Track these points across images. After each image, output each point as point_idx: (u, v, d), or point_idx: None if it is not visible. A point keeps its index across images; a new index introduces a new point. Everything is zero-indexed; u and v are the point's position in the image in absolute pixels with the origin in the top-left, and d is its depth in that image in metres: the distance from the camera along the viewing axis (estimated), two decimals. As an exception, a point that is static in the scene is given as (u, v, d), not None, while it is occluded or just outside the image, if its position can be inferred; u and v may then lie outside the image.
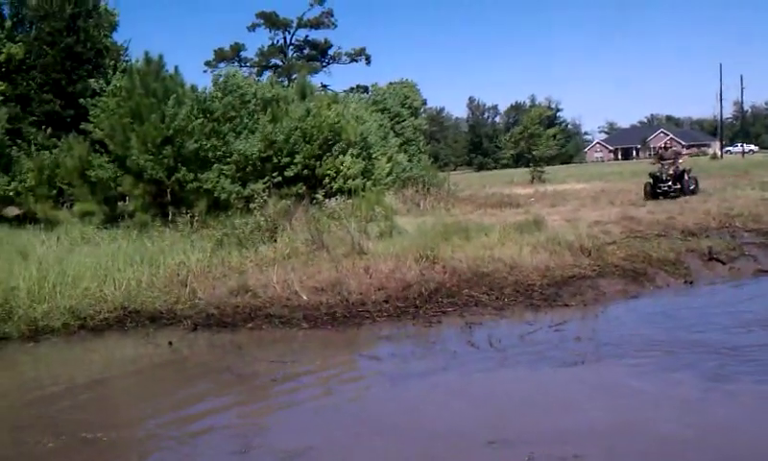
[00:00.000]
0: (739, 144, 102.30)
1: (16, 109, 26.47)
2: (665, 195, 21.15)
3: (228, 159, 19.51)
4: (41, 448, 6.08)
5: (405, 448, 5.73)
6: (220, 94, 21.37)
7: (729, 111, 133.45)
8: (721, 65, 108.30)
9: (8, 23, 30.15)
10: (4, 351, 9.47)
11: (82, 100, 21.18)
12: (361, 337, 9.34)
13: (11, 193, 21.23)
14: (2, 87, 27.90)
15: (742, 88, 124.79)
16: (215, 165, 19.11)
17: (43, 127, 23.79)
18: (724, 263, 12.03)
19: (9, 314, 10.10)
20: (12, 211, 22.17)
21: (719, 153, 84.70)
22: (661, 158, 23.26)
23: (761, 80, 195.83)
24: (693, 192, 21.38)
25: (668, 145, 24.98)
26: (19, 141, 23.10)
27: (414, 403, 6.82)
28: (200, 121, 19.19)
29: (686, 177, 22.01)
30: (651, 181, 22.14)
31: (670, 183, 21.51)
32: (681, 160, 23.19)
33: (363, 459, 5.67)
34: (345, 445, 5.87)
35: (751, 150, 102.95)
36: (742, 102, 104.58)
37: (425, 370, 7.75)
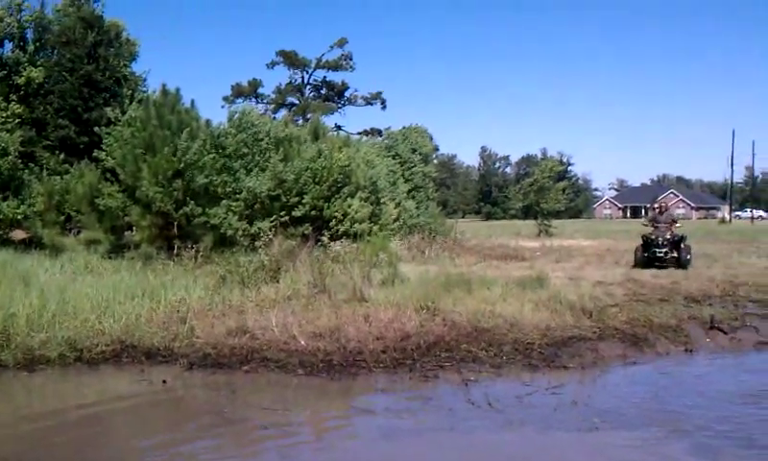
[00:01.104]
0: (749, 209, 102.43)
1: (31, 133, 26.83)
2: (660, 263, 19.05)
3: (237, 196, 19.63)
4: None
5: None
6: (234, 130, 21.56)
7: (739, 176, 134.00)
8: (734, 131, 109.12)
9: (30, 47, 30.69)
10: (-2, 378, 9.46)
11: (96, 128, 21.37)
12: (356, 388, 9.27)
13: (19, 216, 21.37)
14: (19, 110, 28.31)
15: (753, 154, 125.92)
16: (224, 201, 19.23)
17: (56, 152, 24.02)
18: (725, 333, 11.93)
19: (6, 341, 10.09)
20: (19, 235, 22.31)
21: (728, 217, 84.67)
22: (656, 221, 20.72)
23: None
24: (686, 265, 19.00)
25: (664, 206, 21.59)
26: (31, 165, 23.31)
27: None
28: (212, 156, 19.35)
29: (683, 245, 19.67)
30: (643, 245, 19.95)
31: (666, 250, 19.38)
32: (677, 225, 20.94)
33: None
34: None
35: (760, 216, 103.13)
36: (753, 167, 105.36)
37: (419, 427, 7.68)
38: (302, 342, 10.52)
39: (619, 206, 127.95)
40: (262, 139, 22.02)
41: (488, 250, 25.54)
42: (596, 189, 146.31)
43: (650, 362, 10.63)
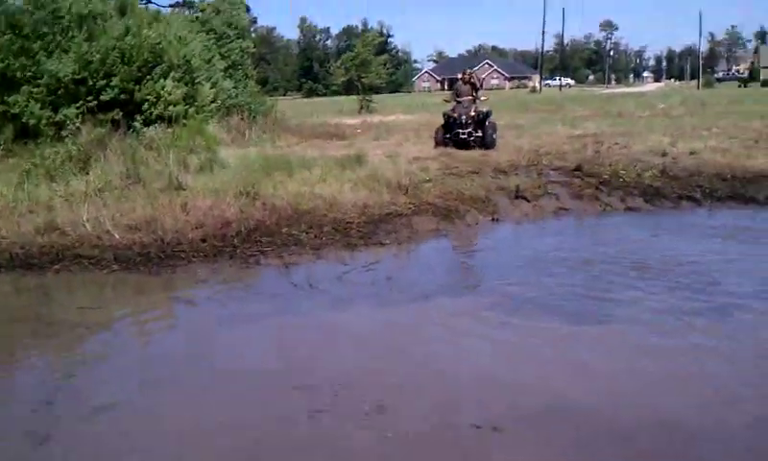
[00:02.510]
0: (558, 77, 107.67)
1: None
2: (463, 145, 17.14)
3: (39, 81, 18.22)
4: None
5: (215, 396, 5.74)
6: (31, 7, 19.79)
7: (550, 45, 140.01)
8: None
9: None
10: None
11: None
12: (176, 280, 9.16)
13: None
14: None
15: (563, 21, 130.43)
16: (23, 87, 17.81)
17: None
18: (529, 201, 12.76)
19: None
20: None
21: (538, 86, 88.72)
22: (458, 95, 18.47)
23: (582, 14, 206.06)
24: (492, 145, 17.29)
25: (467, 76, 18.72)
26: None
27: (226, 350, 6.83)
28: (7, 37, 17.77)
29: (488, 122, 17.78)
30: (444, 124, 17.94)
31: (470, 131, 17.35)
32: (483, 98, 19.06)
33: (169, 410, 5.62)
34: (152, 397, 5.82)
35: (568, 83, 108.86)
36: (563, 36, 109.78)
37: (244, 313, 7.75)
38: (117, 236, 10.20)
39: (437, 78, 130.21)
40: (63, 16, 20.36)
41: (309, 129, 25.53)
42: (416, 61, 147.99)
43: (460, 234, 11.25)
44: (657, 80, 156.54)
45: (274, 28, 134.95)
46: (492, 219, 11.99)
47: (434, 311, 7.61)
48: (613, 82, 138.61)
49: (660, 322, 6.93)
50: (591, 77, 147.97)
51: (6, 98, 17.25)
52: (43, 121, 17.51)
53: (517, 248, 10.58)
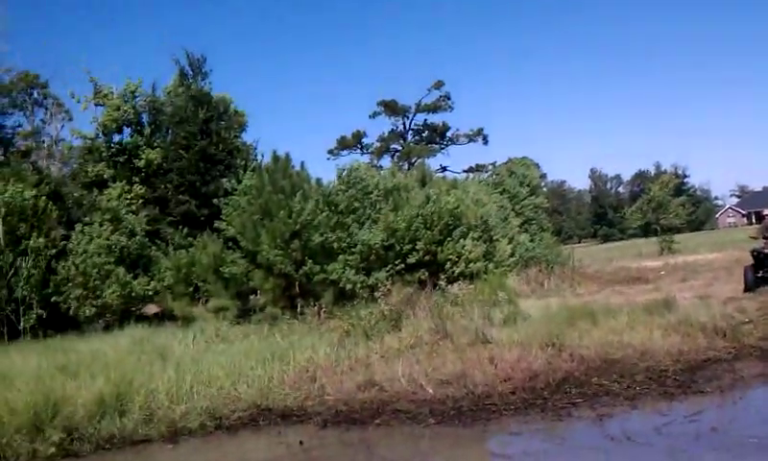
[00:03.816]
0: None
1: (155, 211, 28.40)
2: None
3: (353, 250, 20.04)
4: None
5: None
6: (344, 187, 22.11)
7: None
8: None
9: (146, 130, 32.61)
10: (144, 453, 9.89)
11: (215, 200, 22.42)
12: (489, 433, 9.21)
13: (150, 292, 22.50)
14: (142, 191, 30.11)
15: None
16: (340, 256, 19.70)
17: (180, 227, 25.18)
18: None
19: (150, 416, 10.57)
20: (152, 309, 23.50)
21: None
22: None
23: None
24: None
25: None
26: (158, 241, 24.53)
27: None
28: (325, 214, 19.92)
29: None
30: (755, 263, 16.35)
31: None
32: None
33: None
34: None
35: None
36: None
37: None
38: (430, 390, 10.57)
39: (743, 212, 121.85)
40: (371, 192, 22.45)
41: (609, 275, 25.00)
42: (716, 198, 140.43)
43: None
44: None
45: (564, 181, 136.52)
46: (828, 363, 10.66)
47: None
48: None
49: None
50: None
51: (325, 267, 19.10)
52: (358, 285, 19.11)
53: None
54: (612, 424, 8.74)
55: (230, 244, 21.19)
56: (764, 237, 16.88)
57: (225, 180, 24.10)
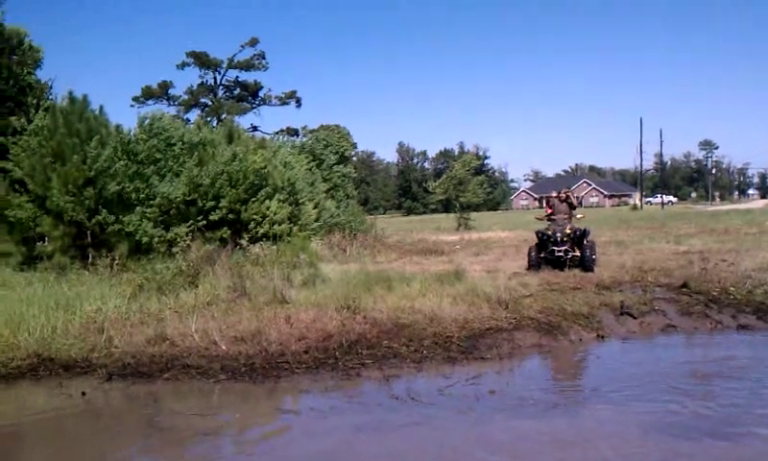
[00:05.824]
0: (659, 195, 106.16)
1: (-68, 145, 25.73)
2: (558, 264, 16.29)
3: (152, 202, 19.29)
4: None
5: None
6: (145, 136, 21.16)
7: (650, 163, 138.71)
8: (642, 119, 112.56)
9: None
10: None
11: (2, 138, 20.71)
12: (280, 390, 9.28)
13: None
14: None
15: (662, 141, 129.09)
16: (138, 208, 18.90)
17: (-40, 163, 23.06)
18: (635, 318, 12.40)
19: None
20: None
21: (639, 203, 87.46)
22: (554, 213, 17.59)
23: (679, 134, 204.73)
24: (591, 266, 15.90)
25: (564, 194, 17.72)
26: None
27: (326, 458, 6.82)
28: (123, 163, 18.98)
29: (586, 241, 16.60)
30: (538, 243, 17.01)
31: (566, 248, 16.35)
32: (579, 216, 18.16)
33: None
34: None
35: (670, 201, 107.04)
36: (662, 154, 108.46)
37: (345, 424, 7.77)
38: (223, 347, 10.49)
39: (535, 196, 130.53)
40: (175, 144, 21.67)
41: (408, 245, 25.85)
42: (513, 181, 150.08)
43: (564, 350, 11.00)
44: (763, 196, 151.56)
45: (373, 152, 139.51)
46: (597, 336, 11.66)
47: (546, 431, 7.43)
48: (717, 199, 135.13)
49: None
50: (694, 194, 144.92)
51: (121, 218, 18.26)
52: (156, 239, 18.46)
53: (630, 366, 10.13)
54: (399, 385, 9.12)
55: (17, 186, 19.68)
56: (548, 220, 17.65)
57: (14, 118, 22.28)
